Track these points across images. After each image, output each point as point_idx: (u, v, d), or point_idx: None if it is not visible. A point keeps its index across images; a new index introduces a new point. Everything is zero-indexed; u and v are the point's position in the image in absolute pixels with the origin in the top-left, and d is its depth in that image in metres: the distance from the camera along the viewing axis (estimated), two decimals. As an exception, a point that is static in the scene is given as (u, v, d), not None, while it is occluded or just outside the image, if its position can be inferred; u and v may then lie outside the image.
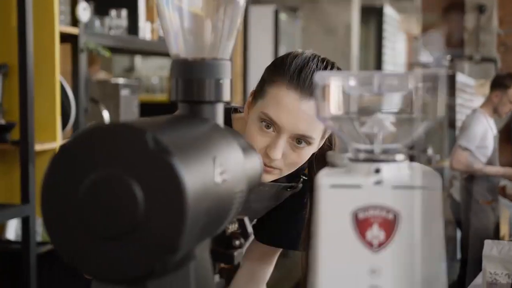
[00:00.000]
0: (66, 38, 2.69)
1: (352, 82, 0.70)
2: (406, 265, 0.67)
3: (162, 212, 0.59)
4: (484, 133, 4.29)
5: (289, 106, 1.22)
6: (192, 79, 0.78)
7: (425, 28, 10.06)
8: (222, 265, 0.79)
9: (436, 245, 0.67)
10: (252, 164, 0.85)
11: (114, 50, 3.21)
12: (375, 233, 0.66)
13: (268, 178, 1.29)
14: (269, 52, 4.94)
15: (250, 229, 0.81)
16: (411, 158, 0.71)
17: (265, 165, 1.25)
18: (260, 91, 1.27)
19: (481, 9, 9.39)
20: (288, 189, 1.42)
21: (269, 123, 1.23)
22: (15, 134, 2.44)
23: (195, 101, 0.78)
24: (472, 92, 6.90)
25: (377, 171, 0.69)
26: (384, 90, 0.70)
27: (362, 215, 0.67)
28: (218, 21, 0.80)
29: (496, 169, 4.40)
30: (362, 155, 0.70)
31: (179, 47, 0.80)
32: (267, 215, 1.46)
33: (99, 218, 0.60)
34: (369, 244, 0.66)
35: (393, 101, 0.72)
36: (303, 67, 1.24)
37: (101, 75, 4.29)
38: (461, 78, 6.63)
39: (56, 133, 2.56)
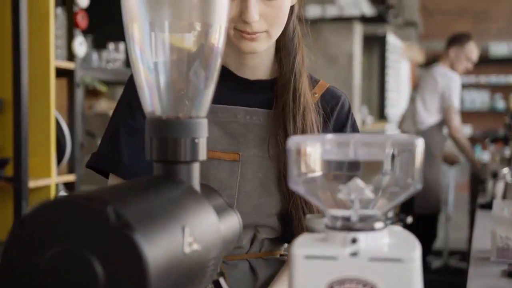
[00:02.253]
0: (62, 72, 2.68)
1: (327, 147, 0.68)
2: None
3: (122, 291, 0.57)
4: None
5: None
6: (167, 138, 0.75)
7: (429, 55, 10.12)
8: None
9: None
10: (229, 224, 0.82)
11: (112, 82, 3.20)
12: (350, 309, 0.63)
13: (258, 46, 1.19)
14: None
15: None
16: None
17: (247, 33, 1.16)
18: None
19: None
20: None
21: None
22: (8, 170, 2.42)
23: (170, 161, 0.75)
24: (399, 53, 7.03)
25: (354, 241, 0.66)
26: (360, 155, 0.67)
27: (337, 289, 0.64)
28: (194, 78, 0.78)
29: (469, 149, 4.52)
30: (339, 223, 0.67)
31: (153, 105, 0.78)
32: None
33: (58, 296, 0.58)
34: (344, 322, 0.63)
35: (371, 167, 0.69)
36: None
37: (103, 104, 4.29)
38: (391, 38, 6.67)
39: (51, 169, 2.54)
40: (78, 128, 2.73)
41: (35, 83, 2.48)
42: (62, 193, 2.94)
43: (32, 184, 2.44)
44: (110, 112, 3.38)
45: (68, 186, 2.80)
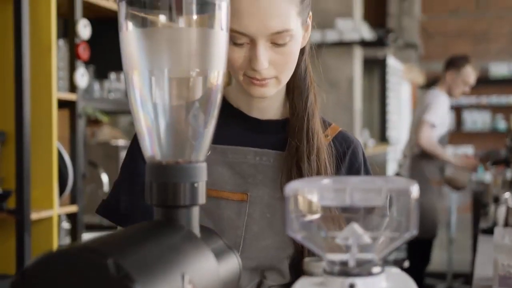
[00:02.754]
0: (64, 104, 2.70)
1: (324, 193, 0.69)
2: None
3: None
4: (444, 112, 4.39)
5: (248, 9, 1.10)
6: (167, 183, 0.77)
7: (429, 77, 10.17)
8: None
9: None
10: (228, 267, 0.82)
11: (114, 112, 3.22)
12: None
13: (268, 91, 1.18)
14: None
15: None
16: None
17: (257, 79, 1.15)
18: None
19: None
20: None
21: (238, 37, 1.12)
22: (11, 203, 2.42)
23: (170, 205, 0.77)
24: (400, 75, 7.04)
25: (352, 286, 0.66)
26: (356, 201, 0.68)
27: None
28: (193, 123, 0.79)
29: (448, 157, 4.51)
30: (336, 268, 0.68)
31: (153, 149, 0.79)
32: None
33: None
34: None
35: (368, 211, 0.70)
36: None
37: (105, 130, 4.30)
38: (391, 61, 6.68)
39: (53, 200, 2.55)
40: (80, 158, 2.75)
41: (37, 115, 2.50)
42: (65, 224, 2.95)
43: (34, 216, 2.44)
44: (112, 141, 3.41)
45: (71, 216, 2.80)
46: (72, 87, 2.73)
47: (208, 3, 0.78)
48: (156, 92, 0.77)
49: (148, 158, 0.79)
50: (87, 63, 2.87)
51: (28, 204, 2.37)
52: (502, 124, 10.15)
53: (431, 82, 10.19)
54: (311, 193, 0.69)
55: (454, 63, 4.53)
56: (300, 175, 1.20)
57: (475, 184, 6.35)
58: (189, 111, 0.80)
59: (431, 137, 4.33)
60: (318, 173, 1.22)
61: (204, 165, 0.79)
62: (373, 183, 0.70)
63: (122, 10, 0.77)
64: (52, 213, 2.55)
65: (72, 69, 2.72)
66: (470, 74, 4.50)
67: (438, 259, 6.26)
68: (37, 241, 2.51)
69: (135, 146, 1.26)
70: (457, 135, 10.35)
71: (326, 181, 0.70)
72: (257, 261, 1.21)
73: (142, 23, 0.78)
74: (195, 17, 0.84)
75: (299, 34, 1.18)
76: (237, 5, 1.10)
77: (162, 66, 0.77)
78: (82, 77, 2.72)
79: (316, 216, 0.70)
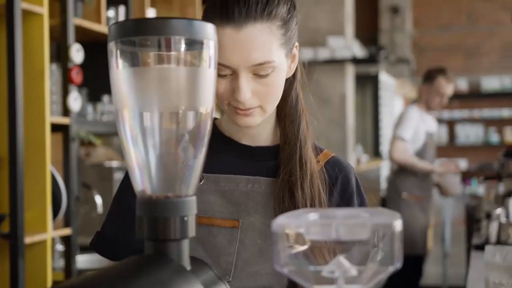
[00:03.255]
0: (57, 127, 2.72)
1: (311, 229, 0.71)
2: None
3: None
4: (416, 126, 4.39)
5: (229, 43, 1.13)
6: (157, 217, 0.78)
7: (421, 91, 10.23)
8: None
9: None
10: (219, 298, 0.84)
11: (107, 134, 3.24)
12: None
13: (253, 120, 1.20)
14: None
15: None
16: None
17: (241, 109, 1.17)
18: None
19: (395, 10, 9.58)
20: None
21: (221, 69, 1.14)
22: (4, 227, 2.43)
23: (160, 239, 0.78)
24: (393, 91, 7.04)
25: (338, 318, 0.68)
26: (342, 235, 0.70)
27: None
28: (182, 159, 0.81)
29: (427, 165, 4.46)
30: (323, 301, 0.70)
31: (144, 184, 0.81)
32: None
33: None
34: None
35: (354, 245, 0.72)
36: None
37: (100, 151, 4.31)
38: (383, 77, 6.70)
39: (47, 224, 2.56)
40: (74, 181, 2.76)
41: (31, 139, 2.52)
42: (59, 246, 2.95)
43: (28, 239, 2.45)
44: (106, 163, 3.43)
45: (65, 239, 2.81)
46: (65, 111, 2.74)
47: (196, 41, 0.80)
48: (146, 129, 0.79)
49: (139, 192, 0.81)
50: (80, 86, 2.89)
51: (22, 228, 2.38)
52: (495, 137, 10.20)
53: (424, 97, 10.27)
54: (298, 228, 0.70)
55: (428, 76, 4.53)
56: (293, 201, 1.22)
57: (468, 197, 6.38)
58: (179, 146, 0.82)
59: (403, 151, 4.33)
60: (312, 199, 1.23)
61: (193, 199, 0.81)
62: (358, 217, 0.72)
63: (113, 49, 0.79)
64: (46, 236, 2.55)
65: (65, 93, 2.74)
66: (443, 85, 4.46)
67: (433, 273, 6.27)
68: (31, 265, 2.52)
69: (127, 181, 1.28)
70: (451, 148, 10.40)
71: (312, 215, 0.72)
72: (248, 287, 1.22)
73: (133, 62, 0.81)
74: (183, 56, 0.87)
75: (283, 64, 1.19)
76: (220, 38, 1.12)
77: (152, 104, 0.79)
78: (75, 101, 2.74)
79: (303, 249, 0.71)
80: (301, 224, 0.71)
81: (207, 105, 0.81)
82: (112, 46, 0.79)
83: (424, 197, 4.47)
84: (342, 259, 0.71)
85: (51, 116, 2.63)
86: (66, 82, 2.74)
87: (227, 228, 1.23)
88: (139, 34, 0.78)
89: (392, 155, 4.37)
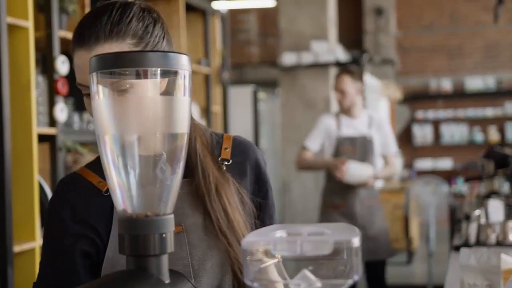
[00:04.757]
0: (44, 137, 2.77)
1: (278, 245, 0.77)
2: None
3: None
4: (326, 133, 4.23)
5: (82, 63, 1.20)
6: (138, 235, 0.85)
7: (407, 92, 10.34)
8: None
9: None
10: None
11: (94, 143, 3.28)
12: None
13: None
14: (249, 130, 5.05)
15: None
16: None
17: None
18: None
19: (379, 11, 9.67)
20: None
21: (83, 89, 1.21)
22: (-7, 237, 2.48)
23: (141, 255, 0.85)
24: (378, 92, 7.03)
25: (303, 328, 0.74)
26: (306, 251, 0.77)
27: None
28: (161, 178, 0.88)
29: (320, 160, 4.32)
30: (289, 312, 0.76)
31: (124, 203, 0.87)
32: None
33: None
34: None
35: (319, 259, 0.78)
36: (88, 21, 1.23)
37: (89, 158, 4.35)
38: (368, 79, 6.73)
39: (35, 232, 2.61)
40: (61, 190, 2.80)
41: (18, 150, 2.56)
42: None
43: (17, 248, 2.50)
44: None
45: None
46: (52, 122, 2.79)
47: (171, 72, 0.86)
48: (126, 152, 0.86)
49: (120, 211, 0.87)
50: (66, 97, 2.94)
51: (11, 237, 2.43)
52: (479, 137, 10.33)
53: (408, 97, 10.40)
54: (266, 245, 0.77)
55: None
56: (208, 212, 1.28)
57: (452, 197, 6.47)
58: (157, 168, 0.88)
59: (302, 157, 4.27)
60: (224, 207, 1.28)
61: (171, 217, 0.87)
62: (321, 234, 0.78)
63: (94, 80, 0.85)
64: (34, 244, 2.61)
65: (51, 104, 2.79)
66: (339, 81, 4.24)
67: (418, 272, 6.36)
68: (20, 273, 2.57)
69: (59, 210, 1.28)
70: (436, 148, 10.52)
71: (279, 233, 0.79)
72: (209, 282, 1.28)
73: (112, 92, 0.87)
74: (160, 85, 0.93)
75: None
76: (76, 61, 1.23)
77: (131, 130, 0.86)
78: (61, 111, 2.79)
79: (270, 264, 0.78)
80: (269, 241, 0.77)
81: (182, 129, 0.87)
82: (93, 77, 0.85)
83: (345, 206, 4.26)
84: (307, 272, 0.77)
85: (38, 127, 2.68)
86: (52, 93, 2.79)
87: (174, 235, 1.30)
88: (117, 66, 0.84)
89: (296, 165, 4.36)
